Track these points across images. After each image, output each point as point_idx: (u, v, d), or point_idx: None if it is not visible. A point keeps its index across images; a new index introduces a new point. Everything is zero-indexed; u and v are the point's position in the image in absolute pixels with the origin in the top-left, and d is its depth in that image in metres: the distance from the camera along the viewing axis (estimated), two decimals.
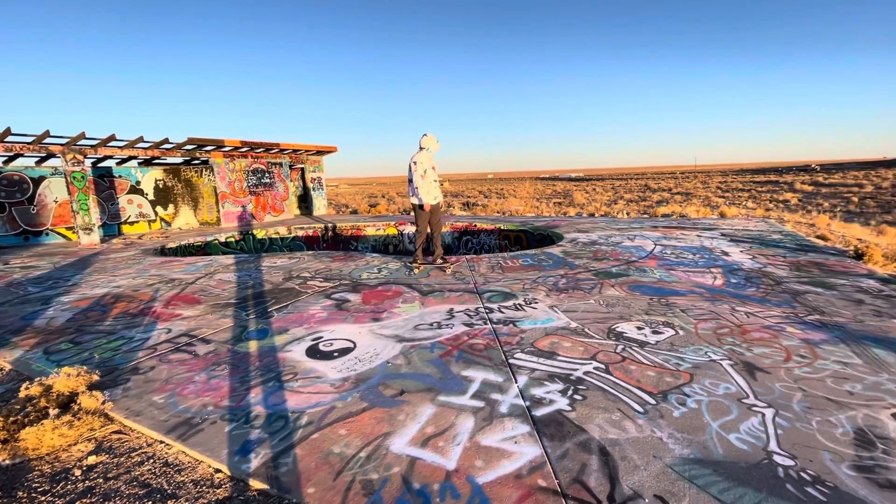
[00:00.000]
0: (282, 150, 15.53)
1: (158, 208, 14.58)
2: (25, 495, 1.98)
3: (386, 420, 2.43)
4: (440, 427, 2.34)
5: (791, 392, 2.56)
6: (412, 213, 6.22)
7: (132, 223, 13.88)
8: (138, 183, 14.06)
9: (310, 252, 8.39)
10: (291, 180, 17.43)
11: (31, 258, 8.82)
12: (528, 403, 2.53)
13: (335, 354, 3.34)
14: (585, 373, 2.88)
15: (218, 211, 14.35)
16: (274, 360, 3.27)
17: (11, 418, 2.39)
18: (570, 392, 2.64)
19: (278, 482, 1.97)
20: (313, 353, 3.40)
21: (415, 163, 5.89)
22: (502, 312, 4.16)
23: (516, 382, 2.78)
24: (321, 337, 3.72)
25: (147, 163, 14.59)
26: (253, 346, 3.59)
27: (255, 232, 12.61)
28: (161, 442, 2.36)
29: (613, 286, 4.94)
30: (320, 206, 17.71)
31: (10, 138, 10.20)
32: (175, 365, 3.26)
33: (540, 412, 2.44)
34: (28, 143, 10.45)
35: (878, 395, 2.49)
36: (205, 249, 11.31)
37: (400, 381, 2.88)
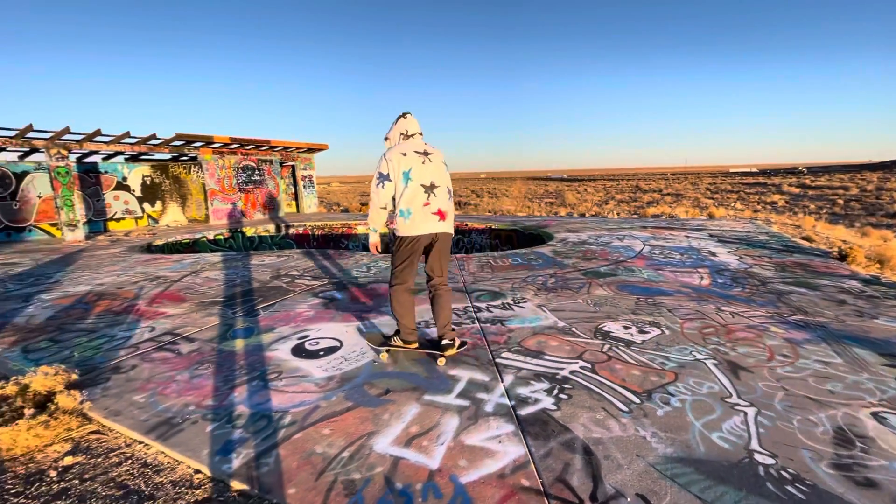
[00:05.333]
0: (272, 148, 15.40)
1: (146, 205, 14.35)
2: None
3: (370, 419, 2.41)
4: (425, 426, 2.32)
5: (773, 391, 2.58)
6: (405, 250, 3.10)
7: (118, 220, 13.65)
8: (125, 179, 13.82)
9: (299, 250, 8.32)
10: (282, 177, 17.30)
11: (13, 255, 8.63)
12: (513, 403, 2.53)
13: (321, 353, 3.31)
14: (571, 372, 2.88)
15: (207, 208, 14.19)
16: (259, 359, 3.23)
17: None
18: (555, 391, 2.64)
19: (259, 483, 1.95)
20: (299, 351, 3.36)
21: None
22: (490, 311, 4.16)
23: (502, 381, 2.77)
24: (307, 336, 3.68)
25: (134, 158, 14.37)
26: (238, 344, 3.54)
27: (244, 230, 12.48)
28: (140, 442, 2.31)
29: (602, 286, 4.96)
30: (311, 204, 17.59)
31: None
32: (157, 364, 3.21)
33: (525, 411, 2.43)
34: (10, 138, 10.24)
35: (858, 395, 2.53)
36: (193, 247, 11.16)
37: (385, 380, 2.86)
